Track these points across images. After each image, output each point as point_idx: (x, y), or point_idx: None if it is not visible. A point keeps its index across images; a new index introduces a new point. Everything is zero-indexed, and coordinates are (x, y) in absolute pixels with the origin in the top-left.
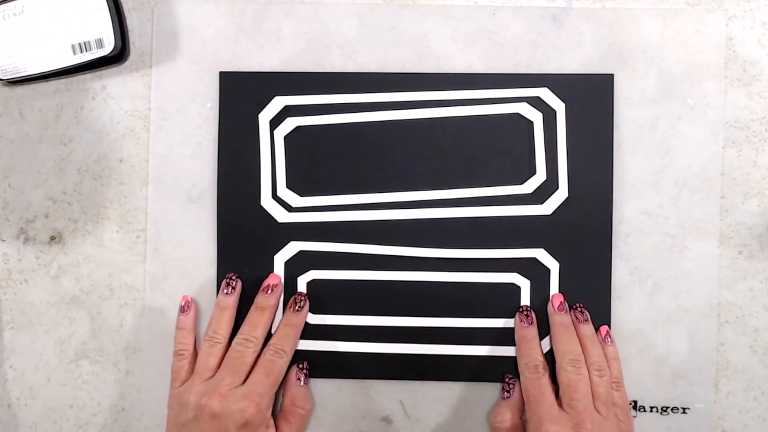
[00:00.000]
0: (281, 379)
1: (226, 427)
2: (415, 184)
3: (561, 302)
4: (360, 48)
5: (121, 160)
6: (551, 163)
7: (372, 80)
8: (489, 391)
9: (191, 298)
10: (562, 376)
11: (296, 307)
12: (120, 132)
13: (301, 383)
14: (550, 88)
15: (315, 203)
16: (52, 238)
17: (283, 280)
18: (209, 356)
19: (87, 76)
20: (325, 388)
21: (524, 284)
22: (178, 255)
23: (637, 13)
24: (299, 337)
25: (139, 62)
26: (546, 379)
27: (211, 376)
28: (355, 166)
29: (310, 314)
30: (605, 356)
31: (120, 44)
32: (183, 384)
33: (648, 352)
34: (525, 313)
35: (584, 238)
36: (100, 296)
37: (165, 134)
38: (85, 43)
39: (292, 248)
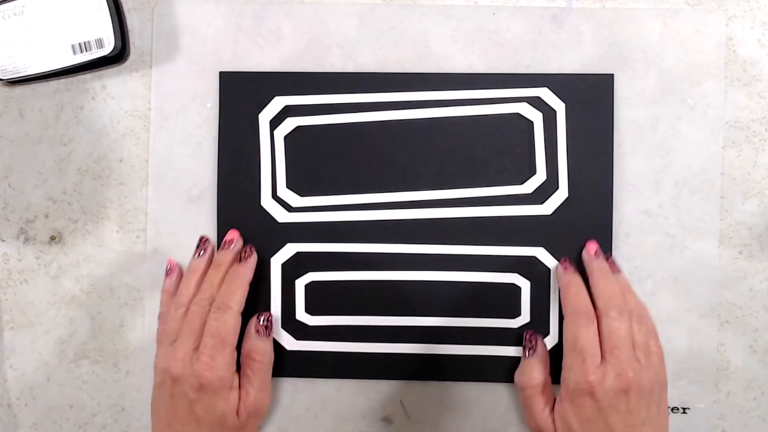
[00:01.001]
0: (234, 336)
1: (185, 392)
2: (415, 184)
3: (597, 249)
4: (360, 48)
5: (121, 160)
6: (551, 163)
7: (372, 80)
8: (489, 391)
9: (176, 262)
10: (604, 324)
11: (243, 257)
12: (120, 132)
13: (261, 336)
14: (550, 88)
15: (315, 203)
16: (52, 238)
17: (241, 239)
18: (174, 321)
19: (87, 76)
20: (325, 388)
21: (524, 284)
22: (178, 255)
23: (637, 13)
24: (247, 290)
25: (139, 62)
26: (595, 328)
27: (175, 340)
28: (355, 166)
29: (309, 315)
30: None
31: (120, 44)
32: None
33: None
34: (567, 261)
35: (584, 237)
36: (100, 296)
37: (165, 134)
38: (85, 43)
39: (289, 250)
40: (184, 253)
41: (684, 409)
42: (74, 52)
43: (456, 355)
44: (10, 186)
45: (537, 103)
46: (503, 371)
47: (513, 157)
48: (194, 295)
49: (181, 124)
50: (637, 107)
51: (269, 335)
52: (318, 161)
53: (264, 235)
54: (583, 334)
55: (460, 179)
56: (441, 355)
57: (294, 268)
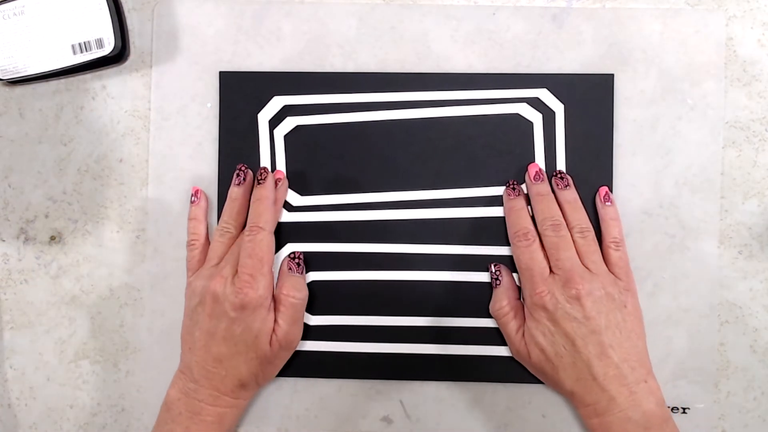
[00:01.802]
0: (270, 255)
1: (225, 310)
2: (415, 183)
3: (537, 171)
4: (360, 48)
5: (121, 160)
6: (551, 163)
7: (372, 80)
8: (489, 391)
9: (201, 189)
10: (546, 242)
11: (259, 179)
12: (120, 132)
13: (294, 272)
14: (549, 89)
15: (315, 202)
16: (52, 238)
17: (252, 173)
18: (219, 245)
19: (87, 76)
20: (325, 388)
21: None
22: (178, 255)
23: (637, 13)
24: (275, 209)
25: (139, 62)
26: (537, 246)
27: (218, 263)
28: (354, 165)
29: (310, 315)
30: (603, 217)
31: (120, 44)
32: (194, 273)
33: (648, 351)
34: (512, 186)
35: None
36: (100, 296)
37: (165, 134)
38: (85, 43)
39: (289, 250)
40: (184, 254)
41: (684, 409)
42: (74, 52)
43: (456, 355)
44: (10, 186)
45: (536, 103)
46: (503, 371)
47: (513, 158)
48: (240, 222)
49: (181, 124)
50: (637, 107)
51: (301, 272)
52: (318, 161)
53: None
54: (524, 252)
55: (460, 179)
56: (441, 355)
57: None
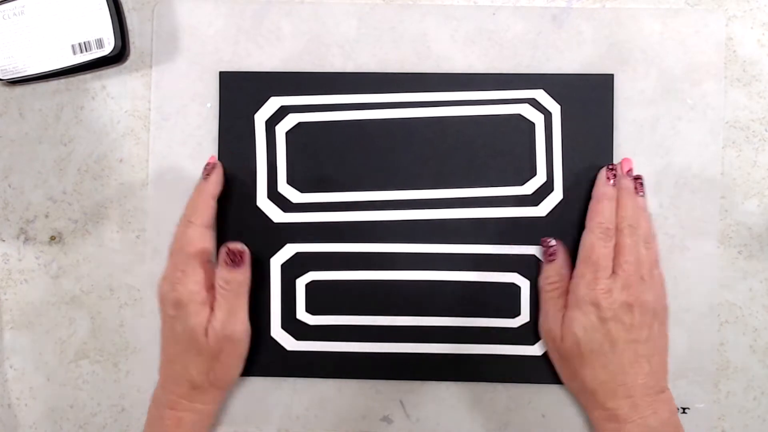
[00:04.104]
0: (201, 249)
1: (167, 311)
2: (415, 183)
3: (631, 168)
4: (360, 48)
5: (121, 160)
6: (551, 164)
7: (372, 80)
8: (489, 391)
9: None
10: (619, 239)
11: (204, 174)
12: (120, 132)
13: (227, 266)
14: (546, 90)
15: (315, 200)
16: (52, 238)
17: (222, 171)
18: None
19: (87, 76)
20: (325, 388)
21: (524, 284)
22: None
23: (637, 13)
24: (213, 204)
25: (139, 62)
26: (612, 244)
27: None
28: (355, 164)
29: (310, 315)
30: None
31: (120, 44)
32: None
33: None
34: (613, 171)
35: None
36: (100, 296)
37: (165, 134)
38: (85, 43)
39: (289, 251)
40: None
41: (684, 409)
42: (74, 52)
43: (456, 355)
44: (10, 186)
45: (537, 104)
46: (503, 371)
47: (513, 158)
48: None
49: (181, 124)
50: (637, 107)
51: (235, 267)
52: (318, 158)
53: (263, 235)
54: (600, 246)
55: (461, 179)
56: (441, 355)
57: (294, 268)
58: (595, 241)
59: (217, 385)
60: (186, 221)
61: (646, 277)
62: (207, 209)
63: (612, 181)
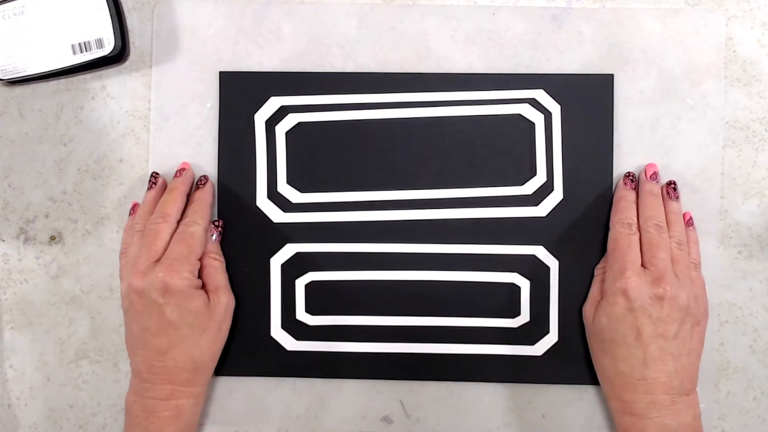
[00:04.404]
0: (200, 245)
1: (153, 299)
2: (415, 183)
3: (655, 172)
4: (360, 48)
5: (121, 160)
6: (551, 164)
7: (372, 80)
8: (489, 391)
9: (138, 203)
10: (645, 238)
11: (200, 184)
12: (120, 132)
13: (214, 239)
14: (546, 90)
15: (315, 199)
16: (52, 238)
17: (192, 173)
18: (133, 244)
19: (87, 76)
20: (325, 388)
21: (524, 284)
22: None
23: (637, 13)
24: (210, 209)
25: (139, 62)
26: (636, 238)
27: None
28: (354, 164)
29: (309, 315)
30: (686, 238)
31: (120, 44)
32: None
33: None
34: (630, 177)
35: (583, 238)
36: (100, 296)
37: (165, 134)
38: (85, 43)
39: (289, 251)
40: None
41: None
42: (74, 52)
43: (456, 355)
44: (10, 186)
45: (537, 104)
46: (503, 371)
47: (513, 158)
48: (147, 220)
49: (181, 124)
50: (637, 107)
51: (219, 239)
52: (318, 158)
53: (263, 235)
54: (624, 237)
55: (460, 179)
56: (441, 355)
57: (294, 268)
58: (616, 234)
59: (215, 359)
60: (190, 221)
61: (681, 276)
62: (208, 215)
63: (629, 186)
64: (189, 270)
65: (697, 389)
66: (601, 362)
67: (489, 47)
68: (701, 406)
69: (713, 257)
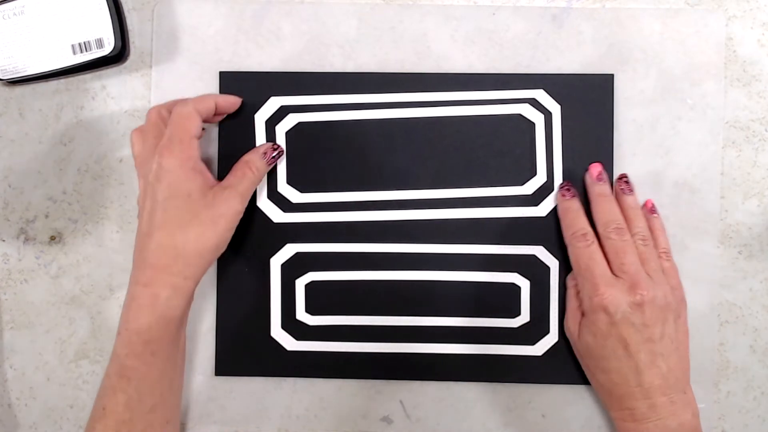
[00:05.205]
0: (193, 127)
1: (148, 182)
2: (415, 183)
3: (600, 172)
4: (360, 48)
5: (121, 160)
6: (551, 164)
7: (372, 80)
8: (489, 391)
9: None
10: (608, 246)
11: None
12: (120, 132)
13: (264, 157)
14: (546, 90)
15: (315, 199)
16: (52, 238)
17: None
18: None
19: (87, 76)
20: (325, 388)
21: (524, 284)
22: None
23: (637, 13)
24: (214, 106)
25: (139, 62)
26: (596, 246)
27: None
28: (354, 164)
29: (309, 315)
30: (651, 228)
31: (120, 44)
32: None
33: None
34: (566, 187)
35: None
36: (100, 296)
37: None
38: (85, 43)
39: (289, 251)
40: None
41: None
42: (74, 52)
43: (456, 355)
44: (10, 186)
45: (537, 104)
46: (503, 371)
47: (513, 158)
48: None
49: None
50: (637, 107)
51: (269, 163)
52: (318, 158)
53: (263, 235)
54: (583, 252)
55: (460, 179)
56: (441, 354)
57: (294, 268)
58: (575, 251)
59: (204, 256)
60: (182, 101)
61: (653, 273)
62: (203, 102)
63: (568, 196)
64: (182, 149)
65: (697, 389)
66: (594, 377)
67: (489, 47)
68: (701, 406)
69: (713, 257)
